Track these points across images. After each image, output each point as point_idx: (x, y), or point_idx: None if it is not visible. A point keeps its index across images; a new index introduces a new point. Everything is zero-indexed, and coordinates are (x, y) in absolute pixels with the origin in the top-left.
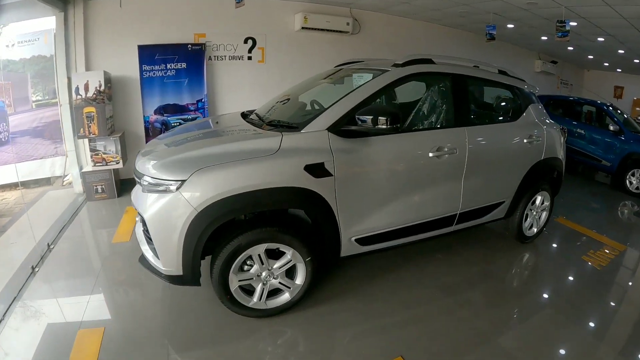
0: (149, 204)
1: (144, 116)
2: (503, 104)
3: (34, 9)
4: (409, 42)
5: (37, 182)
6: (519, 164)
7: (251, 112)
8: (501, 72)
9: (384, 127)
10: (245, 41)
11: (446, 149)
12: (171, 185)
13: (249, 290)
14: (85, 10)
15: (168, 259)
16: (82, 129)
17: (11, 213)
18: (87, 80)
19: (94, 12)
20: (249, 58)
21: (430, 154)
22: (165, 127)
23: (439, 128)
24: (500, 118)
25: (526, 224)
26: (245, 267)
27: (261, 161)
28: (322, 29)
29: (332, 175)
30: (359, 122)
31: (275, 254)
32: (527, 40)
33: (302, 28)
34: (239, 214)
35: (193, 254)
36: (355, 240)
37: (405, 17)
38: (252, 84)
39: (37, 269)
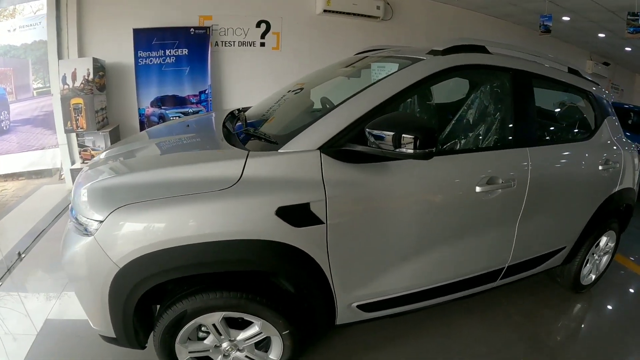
0: (65, 245)
1: (138, 109)
2: (572, 114)
3: None
4: (449, 32)
5: (39, 174)
6: (590, 198)
7: (247, 109)
8: (572, 71)
9: (411, 151)
10: (258, 25)
11: (501, 181)
12: (88, 225)
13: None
14: None
15: (94, 317)
16: (69, 122)
17: (3, 206)
18: (75, 68)
19: None
20: (262, 44)
21: (478, 189)
22: (163, 121)
23: (491, 148)
24: (570, 135)
25: (585, 271)
26: (200, 334)
27: (209, 199)
28: (347, 13)
29: (322, 223)
30: (371, 140)
31: (239, 322)
32: (581, 37)
33: (324, 11)
34: (179, 274)
35: (123, 317)
36: (358, 306)
37: (447, 3)
38: (264, 74)
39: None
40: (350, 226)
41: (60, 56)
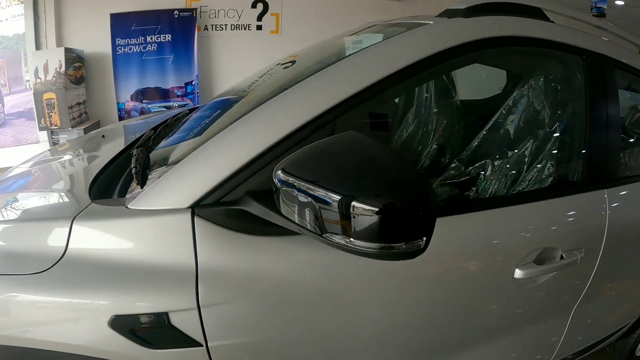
0: None
1: (117, 103)
2: None
3: None
4: None
5: None
6: None
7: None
8: None
9: (371, 248)
10: (254, 5)
11: (561, 256)
12: None
13: None
14: None
15: None
16: (42, 119)
17: None
18: (47, 60)
19: None
20: (259, 27)
21: (518, 273)
22: None
23: (542, 196)
24: None
25: None
26: None
27: (19, 284)
28: None
29: (199, 345)
30: (284, 198)
31: None
32: (636, 29)
33: None
34: None
35: None
36: None
37: None
38: (261, 62)
39: None
40: (259, 349)
41: (38, 47)
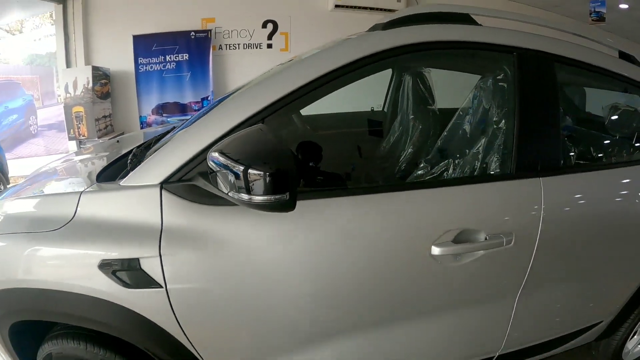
0: None
1: (140, 116)
2: (631, 124)
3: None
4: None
5: None
6: None
7: None
8: (624, 55)
9: (261, 198)
10: (264, 25)
11: (484, 237)
12: None
13: None
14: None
15: None
16: (72, 130)
17: None
18: (76, 77)
19: (95, 1)
20: (269, 46)
21: (435, 250)
22: None
23: (468, 181)
24: (624, 154)
25: (630, 345)
26: None
27: (37, 240)
28: (362, 7)
29: (159, 286)
30: (215, 171)
31: None
32: None
33: (336, 6)
34: (25, 317)
35: (5, 345)
36: None
37: None
38: None
39: None
40: (205, 293)
41: (68, 65)
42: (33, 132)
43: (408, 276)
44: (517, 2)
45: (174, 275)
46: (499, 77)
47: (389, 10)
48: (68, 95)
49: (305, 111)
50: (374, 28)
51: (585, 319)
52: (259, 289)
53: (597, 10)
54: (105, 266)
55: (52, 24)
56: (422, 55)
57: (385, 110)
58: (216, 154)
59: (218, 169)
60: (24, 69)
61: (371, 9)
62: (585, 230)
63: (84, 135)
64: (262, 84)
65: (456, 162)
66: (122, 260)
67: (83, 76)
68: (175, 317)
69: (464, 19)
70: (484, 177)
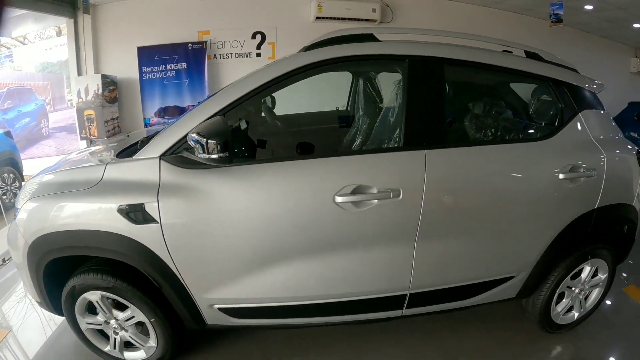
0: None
1: (144, 118)
2: (545, 110)
3: (48, 17)
4: (461, 29)
5: None
6: (545, 216)
7: None
8: (530, 54)
9: (215, 156)
10: (254, 36)
11: (375, 191)
12: (16, 212)
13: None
14: (93, 15)
15: (26, 285)
16: (84, 131)
17: None
18: (87, 84)
19: (102, 16)
20: (258, 55)
21: (338, 199)
22: None
23: (366, 152)
24: (519, 134)
25: (560, 308)
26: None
27: (76, 196)
28: (340, 18)
29: (157, 222)
30: (192, 145)
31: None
32: (616, 30)
33: (317, 18)
34: (64, 253)
35: (39, 284)
36: (221, 309)
37: (455, 0)
38: None
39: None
40: (186, 228)
41: (79, 73)
42: (45, 134)
43: (321, 218)
44: (492, 7)
45: (166, 214)
46: (399, 78)
47: (366, 20)
48: (80, 100)
49: (280, 111)
50: (302, 50)
51: (494, 272)
52: (222, 226)
53: (555, 12)
54: (122, 210)
55: (58, 35)
56: (338, 66)
57: (348, 108)
58: (194, 134)
59: (194, 144)
60: (36, 75)
61: (349, 19)
62: (467, 191)
63: (94, 136)
64: (225, 90)
65: (369, 141)
66: (133, 205)
67: (93, 83)
68: (166, 245)
69: (369, 38)
70: (381, 149)
